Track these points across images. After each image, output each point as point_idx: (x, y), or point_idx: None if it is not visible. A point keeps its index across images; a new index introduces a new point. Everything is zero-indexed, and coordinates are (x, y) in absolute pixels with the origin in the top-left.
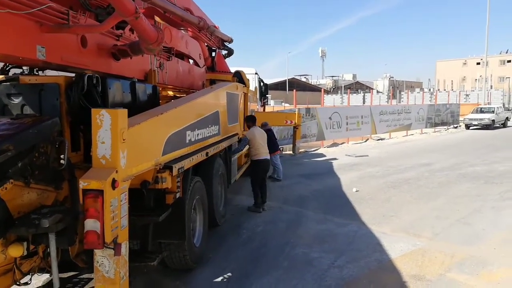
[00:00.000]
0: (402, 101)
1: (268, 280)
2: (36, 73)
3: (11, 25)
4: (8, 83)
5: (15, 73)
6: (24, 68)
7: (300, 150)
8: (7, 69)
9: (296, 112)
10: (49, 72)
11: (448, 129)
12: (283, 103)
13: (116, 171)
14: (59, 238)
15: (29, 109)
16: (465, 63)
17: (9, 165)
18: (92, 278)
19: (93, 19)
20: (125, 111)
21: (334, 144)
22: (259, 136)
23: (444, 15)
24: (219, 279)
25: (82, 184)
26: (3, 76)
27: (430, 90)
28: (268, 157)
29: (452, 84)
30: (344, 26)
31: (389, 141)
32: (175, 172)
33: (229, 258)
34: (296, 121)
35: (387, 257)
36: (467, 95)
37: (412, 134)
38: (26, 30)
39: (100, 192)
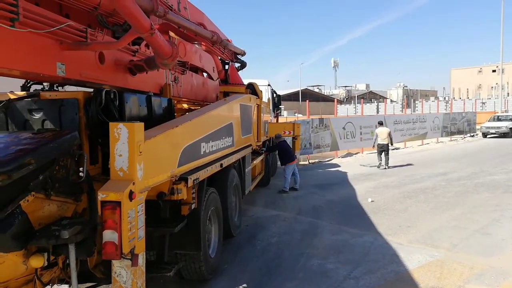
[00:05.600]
0: (417, 110)
1: None
2: (56, 89)
3: (32, 44)
4: (29, 99)
5: (36, 89)
6: (45, 84)
7: (299, 162)
8: (28, 85)
9: (294, 123)
10: (68, 88)
11: (464, 137)
12: (296, 114)
13: (133, 183)
14: (79, 249)
15: (50, 123)
16: (480, 71)
17: (31, 178)
18: None
19: (110, 36)
20: (142, 124)
21: (348, 154)
22: (380, 132)
23: (458, 23)
24: None
25: (101, 196)
26: (24, 92)
27: (445, 98)
28: (383, 142)
29: (467, 92)
30: (356, 36)
31: (404, 150)
32: (190, 183)
33: (244, 269)
34: (294, 132)
35: (404, 268)
36: (483, 103)
37: (428, 143)
38: (47, 48)
39: (118, 204)
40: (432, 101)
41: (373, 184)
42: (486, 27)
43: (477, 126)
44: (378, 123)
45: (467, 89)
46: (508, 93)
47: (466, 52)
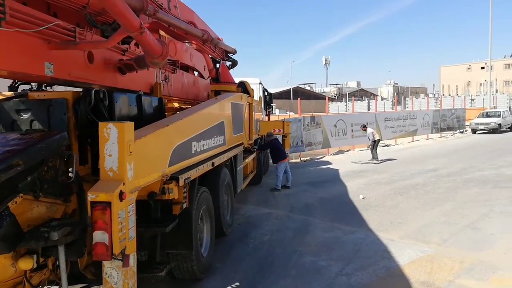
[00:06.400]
0: (407, 107)
1: None
2: (45, 89)
3: (20, 44)
4: (17, 99)
5: (23, 90)
6: (33, 84)
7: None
8: (16, 85)
9: (284, 121)
10: (57, 88)
11: (454, 134)
12: (288, 112)
13: (124, 183)
14: (68, 250)
15: (38, 124)
16: (469, 68)
17: (19, 180)
18: None
19: (99, 35)
20: (132, 124)
21: (340, 152)
22: (370, 132)
23: (447, 20)
24: None
25: (90, 196)
26: (12, 92)
27: (435, 95)
28: (378, 138)
29: (457, 89)
30: (347, 34)
31: (395, 147)
32: (181, 182)
33: (237, 267)
34: (284, 130)
35: (396, 264)
36: (472, 99)
37: (418, 140)
38: (35, 47)
39: (108, 204)
40: (422, 98)
41: (364, 181)
42: (475, 24)
43: (467, 123)
44: (364, 125)
45: (456, 86)
46: (496, 90)
47: (455, 50)
